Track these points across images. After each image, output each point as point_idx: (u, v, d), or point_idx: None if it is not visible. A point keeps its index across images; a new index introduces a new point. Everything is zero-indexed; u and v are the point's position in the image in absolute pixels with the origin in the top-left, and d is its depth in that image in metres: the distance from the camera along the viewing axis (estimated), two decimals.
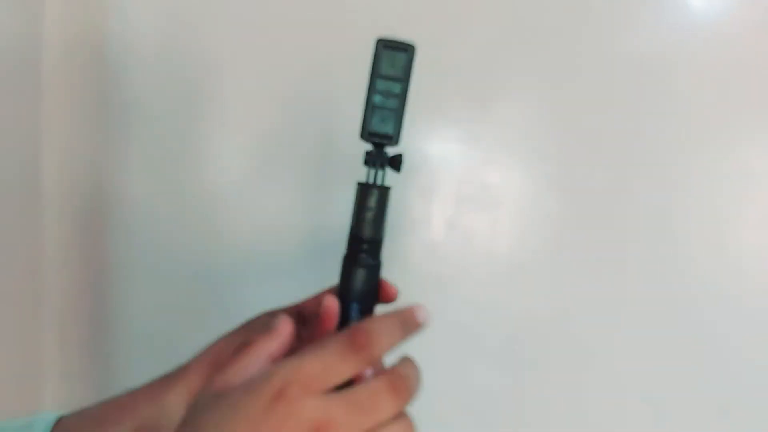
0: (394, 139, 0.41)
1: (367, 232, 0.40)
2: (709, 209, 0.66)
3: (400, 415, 0.31)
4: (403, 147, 0.71)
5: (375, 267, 0.40)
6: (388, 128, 0.41)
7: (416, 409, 0.73)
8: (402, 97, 0.40)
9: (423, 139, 0.71)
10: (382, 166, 0.41)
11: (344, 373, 0.30)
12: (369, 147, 0.41)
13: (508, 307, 0.71)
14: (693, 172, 0.67)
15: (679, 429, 0.69)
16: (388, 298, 0.41)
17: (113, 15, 0.79)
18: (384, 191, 0.40)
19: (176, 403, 0.41)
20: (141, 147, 0.80)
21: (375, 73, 0.40)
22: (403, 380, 0.31)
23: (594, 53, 0.68)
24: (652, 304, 0.68)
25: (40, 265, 0.82)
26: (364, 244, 0.40)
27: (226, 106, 0.76)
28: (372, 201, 0.40)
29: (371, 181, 0.41)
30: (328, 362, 0.29)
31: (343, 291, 0.40)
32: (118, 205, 0.81)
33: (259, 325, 0.43)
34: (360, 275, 0.40)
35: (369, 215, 0.40)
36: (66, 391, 0.85)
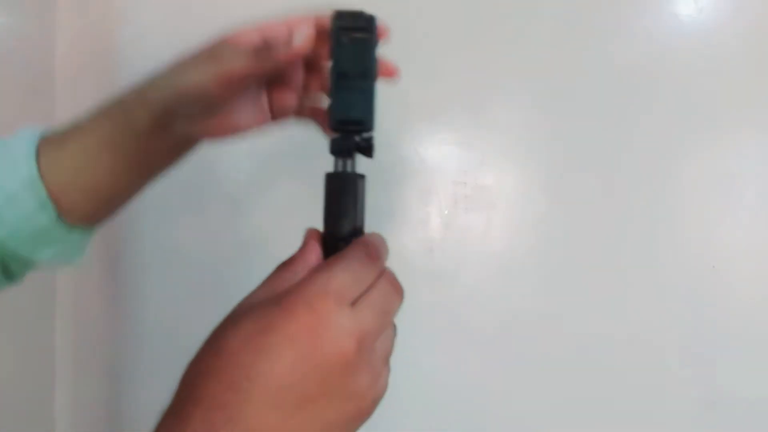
0: (367, 124, 0.35)
1: (343, 229, 0.34)
2: (697, 211, 0.67)
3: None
4: (403, 150, 0.72)
5: None
6: (358, 113, 0.34)
7: (412, 400, 0.75)
8: (370, 74, 0.35)
9: (421, 142, 0.73)
10: (350, 154, 0.35)
11: (368, 281, 0.31)
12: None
13: (502, 303, 0.72)
14: (681, 175, 0.68)
15: (669, 424, 0.69)
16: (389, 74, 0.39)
17: (125, 21, 0.80)
18: (357, 180, 0.34)
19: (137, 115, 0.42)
20: None
21: (336, 52, 0.35)
22: (395, 277, 0.33)
23: (585, 60, 0.69)
24: (641, 302, 0.69)
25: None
26: (341, 242, 0.34)
27: None
28: (345, 193, 0.34)
29: (341, 170, 0.35)
30: (356, 273, 0.30)
31: None
32: (129, 206, 0.82)
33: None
34: None
35: (343, 210, 0.34)
36: (79, 387, 0.86)
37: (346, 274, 0.30)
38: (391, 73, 0.39)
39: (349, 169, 0.35)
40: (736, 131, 0.67)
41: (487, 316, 0.73)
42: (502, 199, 0.72)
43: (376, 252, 0.32)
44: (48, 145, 0.43)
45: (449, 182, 0.72)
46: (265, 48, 0.38)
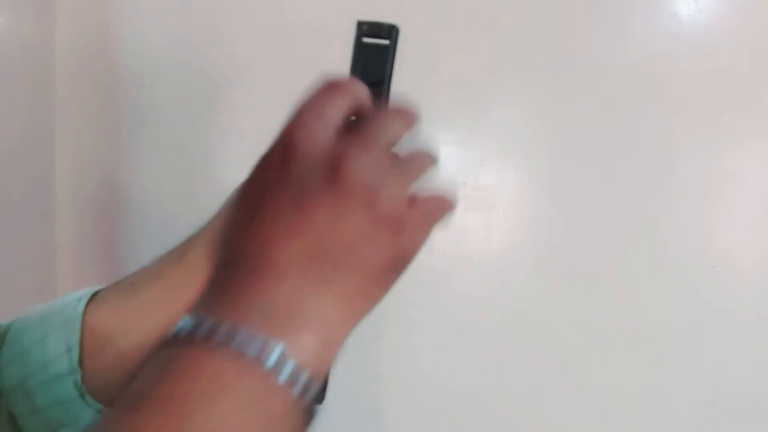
0: None
1: None
2: (698, 211, 0.67)
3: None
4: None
5: None
6: None
7: (411, 400, 0.75)
8: (387, 81, 0.36)
9: (421, 142, 0.72)
10: None
11: (397, 133, 0.31)
12: None
13: (502, 303, 0.72)
14: (682, 175, 0.68)
15: (669, 423, 0.69)
16: None
17: (125, 21, 0.80)
18: None
19: (198, 257, 0.39)
20: (153, 150, 0.81)
21: (357, 59, 0.36)
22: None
23: (585, 60, 0.69)
24: (641, 303, 0.69)
25: (53, 266, 0.84)
26: None
27: (237, 111, 0.78)
28: None
29: None
30: (383, 123, 0.30)
31: None
32: (131, 207, 0.83)
33: None
34: None
35: None
36: None
37: (372, 125, 0.30)
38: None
39: None
40: (736, 131, 0.67)
41: (487, 316, 0.73)
42: (502, 199, 0.72)
43: (403, 106, 0.32)
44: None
45: (449, 182, 0.72)
46: None
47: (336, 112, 0.29)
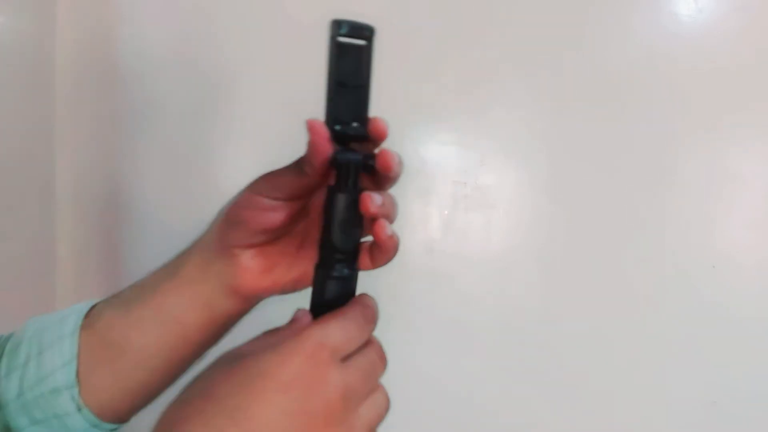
0: (363, 133, 0.35)
1: (340, 241, 0.35)
2: (698, 212, 0.67)
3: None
4: (403, 151, 0.72)
5: (350, 277, 0.36)
6: (355, 122, 0.35)
7: (411, 402, 0.75)
8: (365, 85, 0.35)
9: (421, 143, 0.73)
10: (356, 171, 0.35)
11: (360, 342, 0.32)
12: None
13: (502, 304, 0.72)
14: (681, 175, 0.68)
15: (669, 424, 0.69)
16: (379, 137, 0.37)
17: (125, 21, 0.80)
18: (359, 195, 0.35)
19: (189, 274, 0.40)
20: (153, 150, 0.81)
21: (335, 61, 0.34)
22: (381, 345, 0.35)
23: (585, 59, 0.69)
24: (641, 303, 0.69)
25: (53, 267, 0.84)
26: (338, 253, 0.35)
27: (236, 111, 0.78)
28: (342, 208, 0.35)
29: (344, 183, 0.35)
30: (351, 332, 0.32)
31: (316, 301, 0.35)
32: (131, 208, 0.83)
33: (263, 184, 0.40)
34: (334, 287, 0.35)
35: (342, 223, 0.35)
36: None
37: (342, 332, 0.31)
38: (381, 135, 0.37)
39: (351, 183, 0.35)
40: (736, 131, 0.67)
41: (487, 316, 0.73)
42: (502, 199, 0.72)
43: (371, 316, 0.34)
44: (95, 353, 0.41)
45: (449, 182, 0.72)
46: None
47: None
